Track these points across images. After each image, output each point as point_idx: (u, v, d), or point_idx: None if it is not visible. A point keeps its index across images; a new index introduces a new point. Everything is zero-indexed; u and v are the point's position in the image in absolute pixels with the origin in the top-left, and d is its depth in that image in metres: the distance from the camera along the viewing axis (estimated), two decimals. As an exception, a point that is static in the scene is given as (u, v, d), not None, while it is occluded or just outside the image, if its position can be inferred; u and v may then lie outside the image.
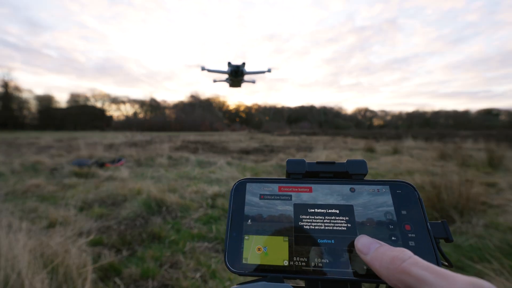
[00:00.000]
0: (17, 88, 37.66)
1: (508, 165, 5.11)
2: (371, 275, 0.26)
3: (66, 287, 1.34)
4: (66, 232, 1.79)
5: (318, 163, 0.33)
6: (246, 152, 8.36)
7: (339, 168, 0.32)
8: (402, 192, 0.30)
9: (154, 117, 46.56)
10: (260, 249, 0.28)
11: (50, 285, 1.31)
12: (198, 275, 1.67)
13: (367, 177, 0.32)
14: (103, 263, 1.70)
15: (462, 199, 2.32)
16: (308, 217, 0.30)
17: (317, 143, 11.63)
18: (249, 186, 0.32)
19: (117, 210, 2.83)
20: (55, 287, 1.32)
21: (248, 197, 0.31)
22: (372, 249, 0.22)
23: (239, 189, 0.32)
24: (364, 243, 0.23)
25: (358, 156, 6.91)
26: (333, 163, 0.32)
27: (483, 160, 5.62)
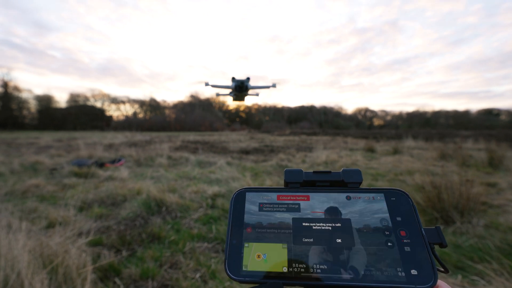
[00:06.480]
0: (16, 88, 37.55)
1: (509, 165, 5.11)
2: (368, 280, 0.26)
3: (65, 287, 1.34)
4: (65, 232, 1.79)
5: (314, 172, 0.33)
6: (246, 152, 8.36)
7: (335, 177, 0.33)
8: (396, 199, 0.31)
9: (154, 117, 46.41)
10: (260, 256, 0.28)
11: (49, 285, 1.31)
12: (198, 275, 1.67)
13: (362, 185, 0.33)
14: (102, 263, 1.70)
15: (462, 199, 2.32)
16: (306, 224, 0.30)
17: (317, 143, 11.63)
18: (248, 196, 0.33)
19: (117, 210, 2.83)
20: (54, 287, 1.32)
21: (248, 206, 0.32)
22: None
23: (239, 198, 0.33)
24: None
25: (358, 157, 6.93)
26: (329, 172, 0.33)
27: (484, 160, 5.63)
